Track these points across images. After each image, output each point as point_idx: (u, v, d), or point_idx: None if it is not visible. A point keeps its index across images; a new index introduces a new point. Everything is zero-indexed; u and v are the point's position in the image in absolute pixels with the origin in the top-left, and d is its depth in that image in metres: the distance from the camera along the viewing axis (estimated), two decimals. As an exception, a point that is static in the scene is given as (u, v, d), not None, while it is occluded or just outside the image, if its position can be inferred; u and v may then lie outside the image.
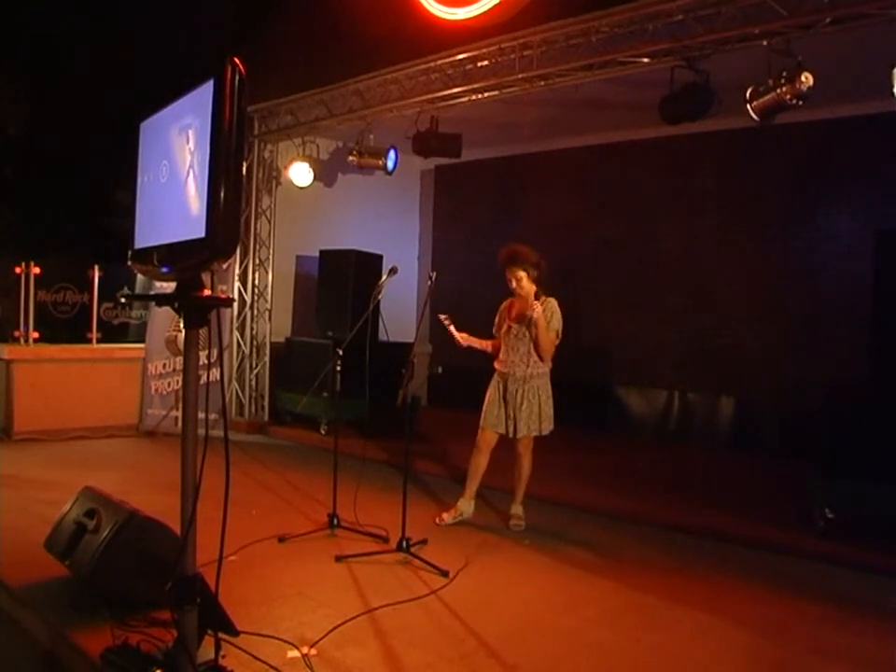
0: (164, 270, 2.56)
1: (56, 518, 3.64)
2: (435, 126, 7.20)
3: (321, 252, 8.50)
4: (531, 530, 4.79)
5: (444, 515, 4.87)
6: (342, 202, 9.23)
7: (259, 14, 8.34)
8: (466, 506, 4.91)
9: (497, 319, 4.99)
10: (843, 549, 4.43)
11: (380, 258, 8.09)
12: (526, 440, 4.77)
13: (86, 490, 3.67)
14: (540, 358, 4.71)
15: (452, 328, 4.73)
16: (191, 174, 2.33)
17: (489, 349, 4.94)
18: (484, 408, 4.87)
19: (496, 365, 4.89)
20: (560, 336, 4.71)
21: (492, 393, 4.86)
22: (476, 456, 4.85)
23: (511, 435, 4.77)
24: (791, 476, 5.92)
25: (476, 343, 4.90)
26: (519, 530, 4.79)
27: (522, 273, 4.67)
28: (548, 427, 4.79)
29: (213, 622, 2.58)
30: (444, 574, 3.91)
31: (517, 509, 4.90)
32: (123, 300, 8.36)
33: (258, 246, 8.60)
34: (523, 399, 4.72)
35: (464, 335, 4.80)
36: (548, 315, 4.66)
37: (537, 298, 4.66)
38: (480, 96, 6.50)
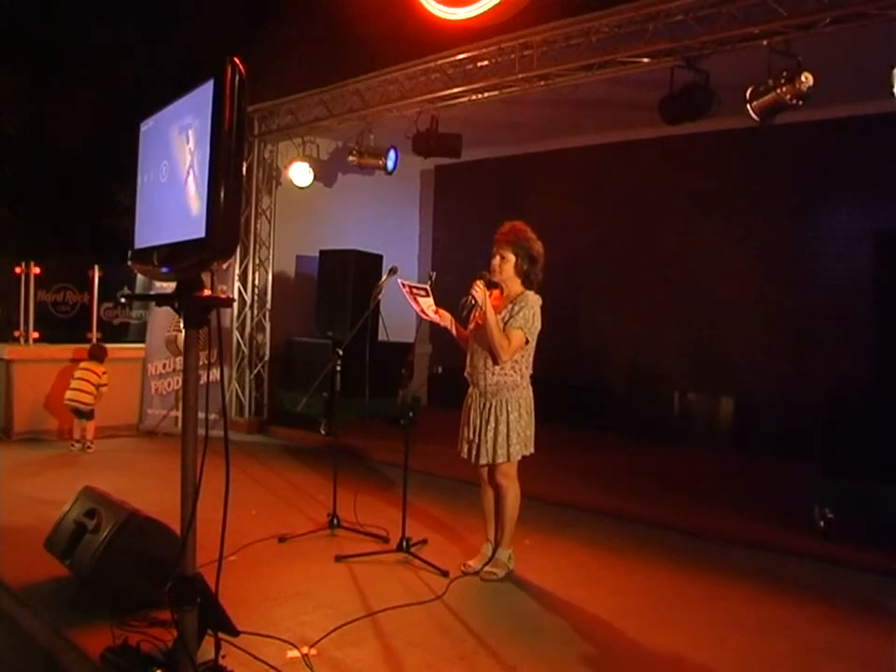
0: (164, 270, 2.57)
1: (56, 518, 3.64)
2: (435, 126, 7.20)
3: (321, 252, 8.52)
4: (531, 530, 4.61)
5: (470, 562, 4.06)
6: (342, 202, 9.22)
7: (259, 14, 8.36)
8: (489, 549, 4.10)
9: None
10: (843, 549, 4.43)
11: (380, 258, 8.10)
12: (505, 466, 3.87)
13: (86, 490, 3.67)
14: (495, 361, 3.82)
15: (407, 289, 3.98)
16: (191, 174, 2.33)
17: (453, 331, 4.10)
18: None
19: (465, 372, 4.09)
20: (531, 338, 3.82)
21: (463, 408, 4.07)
22: (480, 496, 4.11)
23: (473, 461, 3.96)
24: (791, 476, 5.92)
25: (449, 323, 4.07)
26: (493, 580, 3.92)
27: (511, 256, 3.87)
28: (520, 451, 3.85)
29: (213, 622, 2.58)
30: (444, 574, 3.91)
31: (501, 553, 4.00)
32: (123, 300, 8.37)
33: (258, 246, 8.60)
34: (489, 416, 3.86)
35: (439, 310, 4.04)
36: (514, 308, 3.82)
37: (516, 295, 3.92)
38: (480, 96, 6.50)
